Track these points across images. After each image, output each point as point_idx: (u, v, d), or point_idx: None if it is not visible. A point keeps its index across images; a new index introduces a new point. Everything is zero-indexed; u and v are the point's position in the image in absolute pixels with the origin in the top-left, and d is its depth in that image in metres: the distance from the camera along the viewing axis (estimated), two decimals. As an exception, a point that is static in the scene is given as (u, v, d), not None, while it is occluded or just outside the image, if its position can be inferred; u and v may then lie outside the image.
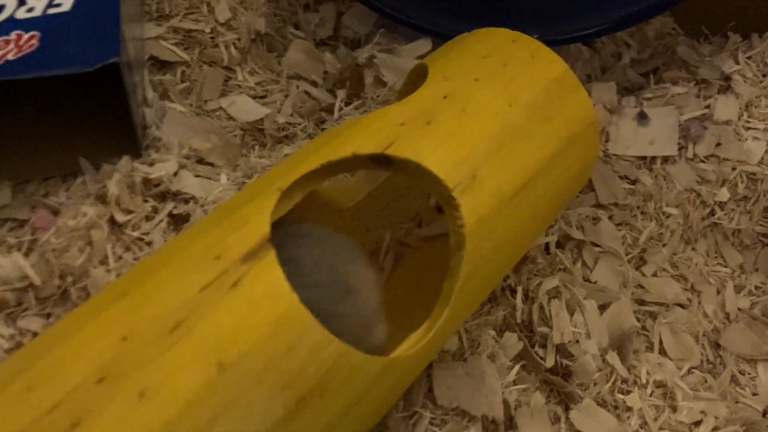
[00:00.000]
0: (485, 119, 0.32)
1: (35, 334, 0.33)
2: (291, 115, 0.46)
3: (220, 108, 0.45)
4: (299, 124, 0.46)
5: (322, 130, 0.46)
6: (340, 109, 0.47)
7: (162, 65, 0.46)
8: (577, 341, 0.39)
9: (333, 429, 0.27)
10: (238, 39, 0.48)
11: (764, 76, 0.52)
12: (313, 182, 0.32)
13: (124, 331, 0.25)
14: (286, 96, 0.47)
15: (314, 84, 0.48)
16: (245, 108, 0.45)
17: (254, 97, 0.46)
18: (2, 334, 0.33)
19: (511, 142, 0.32)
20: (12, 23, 0.37)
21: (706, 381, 0.41)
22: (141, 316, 0.25)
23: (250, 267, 0.27)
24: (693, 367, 0.42)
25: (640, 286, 0.44)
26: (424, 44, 0.50)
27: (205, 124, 0.43)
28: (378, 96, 0.47)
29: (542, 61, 0.35)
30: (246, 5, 0.50)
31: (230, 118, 0.44)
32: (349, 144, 0.31)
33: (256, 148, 0.44)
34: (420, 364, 0.32)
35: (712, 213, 0.47)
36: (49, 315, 0.33)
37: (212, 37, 0.47)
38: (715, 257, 0.47)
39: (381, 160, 0.31)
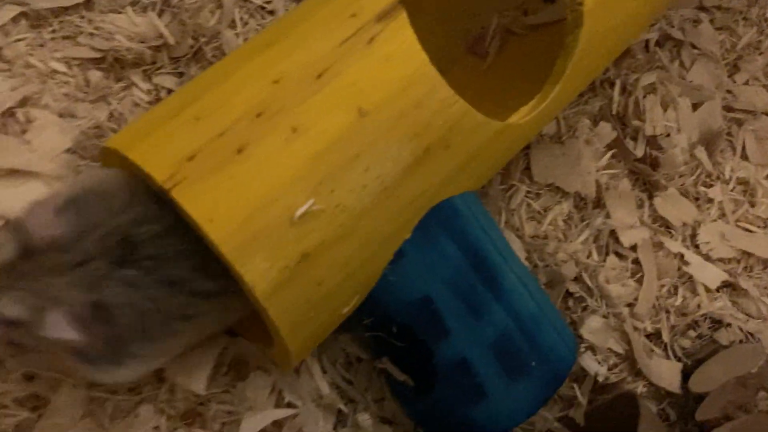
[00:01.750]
0: None
1: (170, 91, 0.36)
2: None
3: None
4: None
5: None
6: None
7: None
8: (668, 135, 0.41)
9: (451, 180, 0.30)
10: None
11: None
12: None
13: (275, 75, 0.27)
14: None
15: None
16: None
17: None
18: (141, 89, 0.36)
19: None
20: None
21: (785, 184, 0.43)
22: (289, 62, 0.28)
23: (385, 26, 0.29)
24: (774, 172, 0.43)
25: (731, 92, 0.45)
26: None
27: None
28: None
29: None
30: None
31: None
32: None
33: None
34: (529, 133, 0.34)
35: (817, 25, 0.47)
36: (182, 74, 0.36)
37: None
38: (811, 70, 0.47)
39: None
